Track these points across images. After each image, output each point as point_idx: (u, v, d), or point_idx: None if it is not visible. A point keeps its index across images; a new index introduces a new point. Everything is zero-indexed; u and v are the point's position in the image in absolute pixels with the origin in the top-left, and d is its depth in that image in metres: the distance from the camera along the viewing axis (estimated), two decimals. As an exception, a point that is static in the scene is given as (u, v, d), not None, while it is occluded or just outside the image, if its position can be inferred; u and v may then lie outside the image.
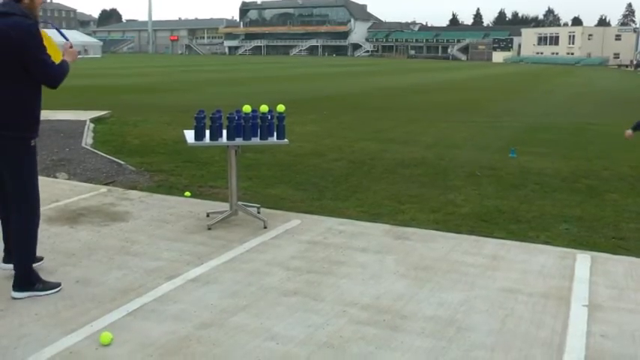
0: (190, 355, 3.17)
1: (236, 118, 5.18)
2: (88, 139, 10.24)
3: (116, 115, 13.70)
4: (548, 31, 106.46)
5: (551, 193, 6.97)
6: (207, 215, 5.65)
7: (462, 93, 24.30)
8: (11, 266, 4.00)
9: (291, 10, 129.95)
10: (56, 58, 3.82)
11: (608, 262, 4.62)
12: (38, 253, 4.36)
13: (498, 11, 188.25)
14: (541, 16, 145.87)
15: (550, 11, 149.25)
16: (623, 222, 5.84)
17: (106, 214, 5.70)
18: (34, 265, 4.01)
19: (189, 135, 5.41)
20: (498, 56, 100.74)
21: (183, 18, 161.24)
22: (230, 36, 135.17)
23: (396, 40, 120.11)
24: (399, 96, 22.22)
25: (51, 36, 4.01)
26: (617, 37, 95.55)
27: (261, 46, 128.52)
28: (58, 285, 3.94)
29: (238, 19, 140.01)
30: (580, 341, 3.38)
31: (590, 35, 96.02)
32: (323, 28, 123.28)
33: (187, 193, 6.57)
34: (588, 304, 3.86)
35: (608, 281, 4.24)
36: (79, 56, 4.23)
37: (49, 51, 3.75)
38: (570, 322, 3.61)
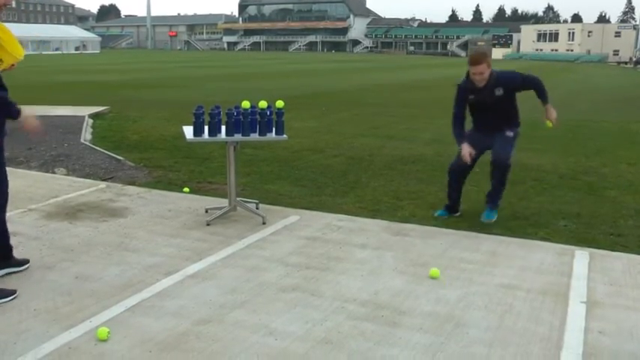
0: (189, 351, 3.17)
1: (235, 114, 5.17)
2: (86, 135, 10.23)
3: (115, 111, 13.68)
4: (548, 27, 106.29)
5: (549, 190, 6.97)
6: (206, 211, 5.65)
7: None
8: None
9: (290, 6, 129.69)
10: (13, 50, 3.74)
11: (607, 259, 4.63)
12: (27, 255, 4.35)
13: (498, 8, 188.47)
14: (541, 13, 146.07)
15: (550, 8, 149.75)
16: (621, 219, 5.84)
17: (105, 210, 5.70)
18: (17, 269, 3.99)
19: (188, 131, 5.40)
20: (498, 53, 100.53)
21: (182, 13, 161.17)
22: (229, 32, 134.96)
23: (395, 37, 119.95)
24: (398, 92, 22.20)
25: (9, 29, 3.88)
26: (617, 34, 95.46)
27: (260, 42, 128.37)
28: (13, 293, 3.78)
29: (237, 15, 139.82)
30: (578, 337, 3.39)
31: (589, 32, 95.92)
32: (322, 24, 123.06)
33: (186, 189, 6.57)
34: (586, 301, 3.87)
35: (606, 278, 4.25)
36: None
37: (7, 45, 3.68)
38: (568, 319, 3.61)
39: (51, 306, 3.66)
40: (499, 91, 5.34)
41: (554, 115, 5.54)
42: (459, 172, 5.62)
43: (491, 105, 5.38)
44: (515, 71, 5.60)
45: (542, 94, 5.50)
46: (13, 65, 3.93)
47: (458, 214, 5.79)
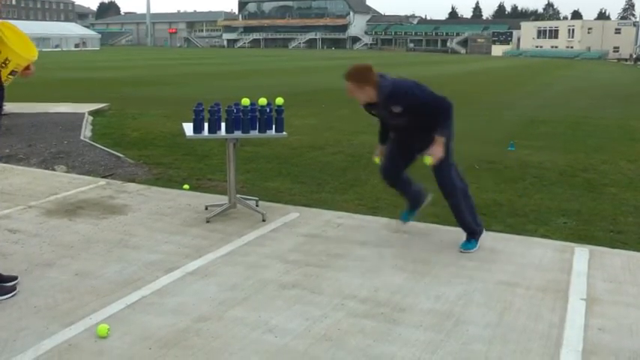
0: (189, 348, 3.17)
1: (235, 111, 5.17)
2: (86, 132, 10.22)
3: (115, 108, 13.67)
4: (548, 24, 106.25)
5: (549, 187, 6.97)
6: (206, 208, 5.65)
7: (460, 86, 24.25)
8: None
9: (289, 3, 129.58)
10: (21, 49, 3.55)
11: (606, 256, 4.63)
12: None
13: (498, 5, 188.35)
14: (540, 10, 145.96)
15: (550, 5, 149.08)
16: (621, 216, 5.84)
17: (105, 207, 5.70)
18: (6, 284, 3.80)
19: (188, 128, 5.40)
20: (498, 50, 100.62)
21: (181, 10, 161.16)
22: (229, 29, 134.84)
23: (395, 34, 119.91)
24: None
25: (19, 29, 3.67)
26: (617, 31, 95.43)
27: (259, 39, 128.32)
28: (13, 290, 3.75)
29: (237, 12, 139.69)
30: (578, 334, 3.39)
31: (589, 29, 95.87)
32: (322, 21, 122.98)
33: (186, 186, 6.57)
34: (586, 298, 3.87)
35: (606, 275, 4.25)
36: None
37: (13, 44, 3.49)
38: (568, 316, 3.61)
39: (51, 303, 3.66)
40: (397, 109, 4.28)
41: (440, 153, 4.34)
42: (388, 178, 4.88)
43: (397, 122, 4.44)
44: (416, 86, 4.35)
45: (440, 124, 4.29)
46: (28, 69, 3.73)
47: (425, 202, 5.05)
